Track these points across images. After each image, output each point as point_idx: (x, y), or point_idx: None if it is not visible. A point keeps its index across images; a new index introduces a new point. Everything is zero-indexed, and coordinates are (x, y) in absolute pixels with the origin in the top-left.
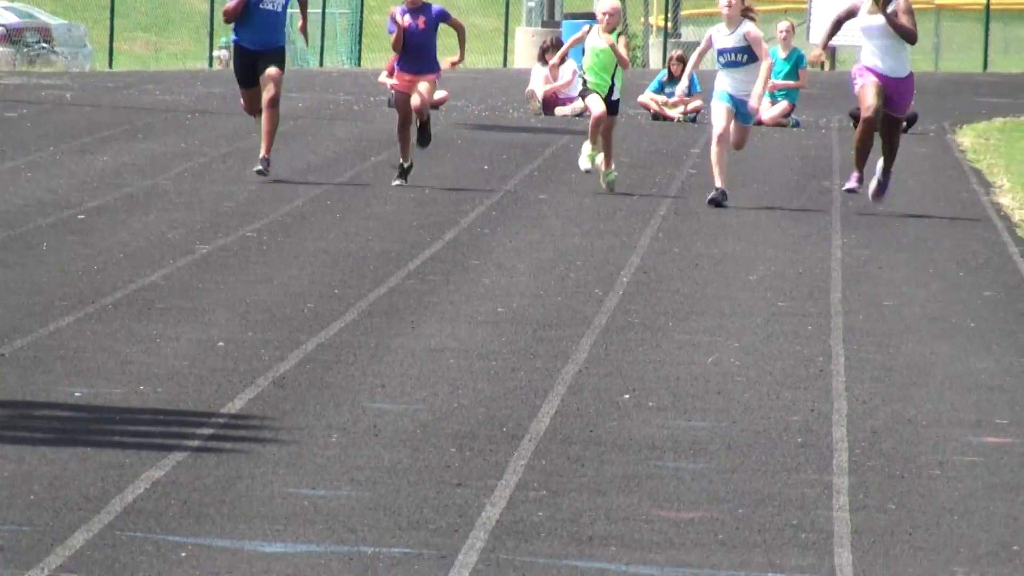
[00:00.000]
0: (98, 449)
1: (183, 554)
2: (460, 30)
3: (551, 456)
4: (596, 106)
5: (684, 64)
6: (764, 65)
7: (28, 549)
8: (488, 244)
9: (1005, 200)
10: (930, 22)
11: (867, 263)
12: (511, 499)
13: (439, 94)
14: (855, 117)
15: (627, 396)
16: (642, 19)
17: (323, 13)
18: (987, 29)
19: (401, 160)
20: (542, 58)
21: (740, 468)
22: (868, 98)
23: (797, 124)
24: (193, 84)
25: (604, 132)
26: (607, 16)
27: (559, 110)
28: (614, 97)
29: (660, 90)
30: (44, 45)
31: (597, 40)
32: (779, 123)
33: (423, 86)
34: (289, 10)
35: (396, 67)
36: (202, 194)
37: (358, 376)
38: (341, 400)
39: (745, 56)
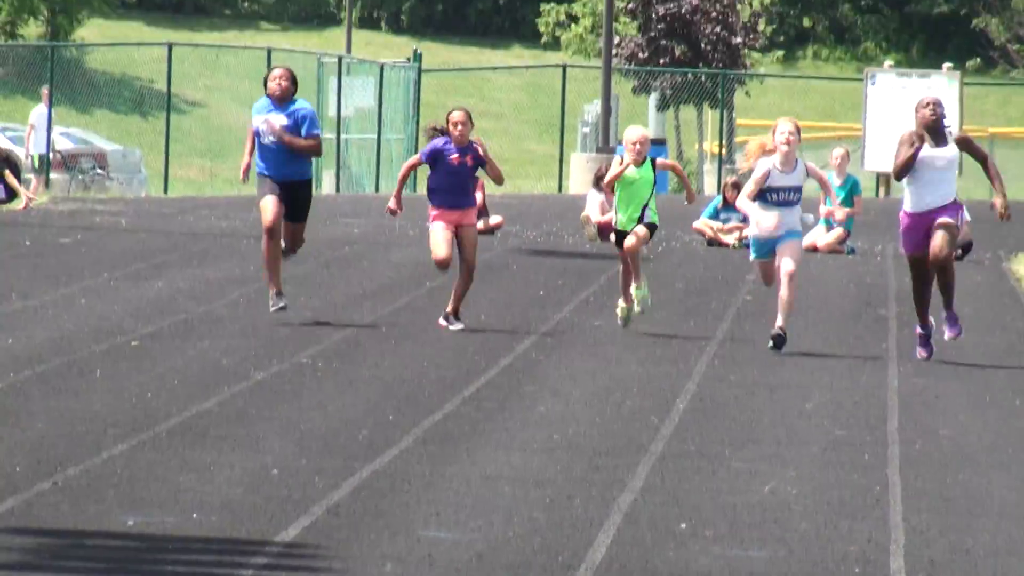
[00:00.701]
0: None
1: None
2: (497, 178)
3: None
4: (621, 252)
5: (739, 191)
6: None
7: None
8: (543, 371)
9: None
10: (984, 150)
11: (923, 392)
12: None
13: (494, 219)
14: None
15: (684, 525)
16: (696, 145)
17: (378, 138)
18: None
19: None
20: (597, 184)
21: None
22: (914, 266)
23: (852, 251)
24: (248, 209)
25: (631, 256)
26: (637, 145)
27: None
28: (647, 220)
29: (715, 216)
30: (99, 171)
31: (627, 170)
32: (835, 250)
33: (470, 237)
34: (346, 136)
35: (432, 204)
36: (257, 320)
37: (413, 504)
38: (396, 529)
39: (798, 196)
